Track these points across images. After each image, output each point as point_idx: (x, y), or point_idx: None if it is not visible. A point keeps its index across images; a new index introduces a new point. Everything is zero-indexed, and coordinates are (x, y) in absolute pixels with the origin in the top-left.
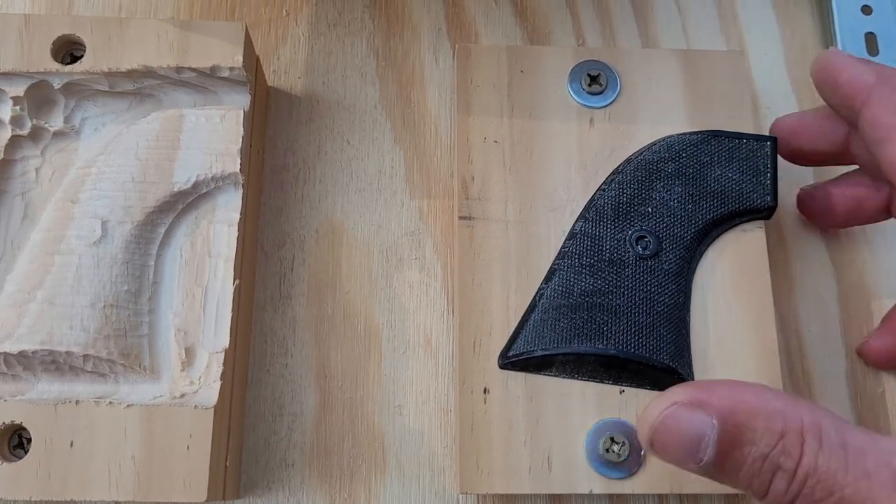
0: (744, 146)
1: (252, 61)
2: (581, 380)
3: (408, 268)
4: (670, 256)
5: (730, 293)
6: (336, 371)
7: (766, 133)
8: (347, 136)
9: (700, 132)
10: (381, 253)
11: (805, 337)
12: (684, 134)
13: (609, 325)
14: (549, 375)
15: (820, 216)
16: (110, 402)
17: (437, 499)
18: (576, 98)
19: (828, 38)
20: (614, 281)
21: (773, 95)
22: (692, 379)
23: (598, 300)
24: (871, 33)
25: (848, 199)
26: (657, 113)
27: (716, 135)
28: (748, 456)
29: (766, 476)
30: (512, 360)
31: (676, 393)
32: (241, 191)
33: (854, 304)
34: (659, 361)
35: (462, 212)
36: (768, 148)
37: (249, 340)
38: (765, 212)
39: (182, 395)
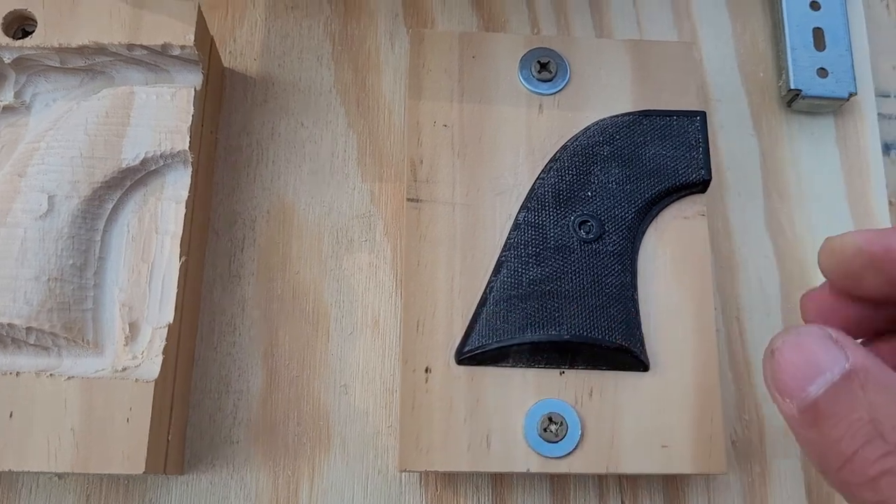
0: (675, 123)
1: (206, 41)
2: (537, 367)
3: (358, 249)
4: (614, 238)
5: (671, 280)
6: (283, 350)
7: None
8: (301, 119)
9: (631, 113)
10: (331, 234)
11: (746, 325)
12: (616, 116)
13: (560, 311)
14: (506, 367)
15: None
16: (51, 375)
17: (381, 477)
18: (525, 84)
19: (778, 32)
20: (561, 267)
21: (724, 88)
22: (645, 357)
23: (547, 287)
24: (819, 28)
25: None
26: (605, 101)
27: (647, 114)
28: (854, 412)
29: (860, 440)
30: (468, 356)
31: (826, 327)
32: (190, 169)
33: (796, 294)
34: (612, 342)
35: (410, 194)
36: (699, 122)
37: (197, 318)
38: (700, 185)
39: (124, 369)
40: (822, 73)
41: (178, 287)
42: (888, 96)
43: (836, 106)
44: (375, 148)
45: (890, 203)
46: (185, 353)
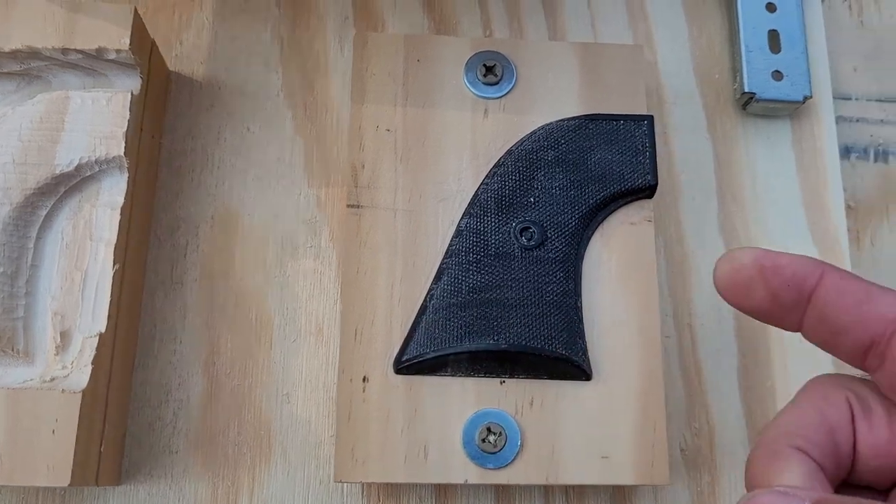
0: (621, 127)
1: (145, 45)
2: (477, 377)
3: (303, 256)
4: (556, 244)
5: (616, 287)
6: (225, 358)
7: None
8: (248, 123)
9: (577, 117)
10: (276, 241)
11: (698, 332)
12: (562, 120)
13: (499, 320)
14: (445, 376)
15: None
16: None
17: (322, 487)
18: (471, 88)
19: (734, 35)
20: (501, 274)
21: (679, 90)
22: (588, 366)
23: (487, 295)
24: (775, 31)
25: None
26: (552, 104)
27: (593, 118)
28: None
29: None
30: (406, 365)
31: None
32: (126, 174)
33: None
34: (551, 351)
35: (350, 200)
36: (645, 127)
37: (137, 326)
38: (647, 191)
39: (52, 379)
40: (777, 75)
41: (111, 295)
42: (849, 99)
43: (791, 109)
44: (322, 153)
45: (849, 206)
46: (122, 362)
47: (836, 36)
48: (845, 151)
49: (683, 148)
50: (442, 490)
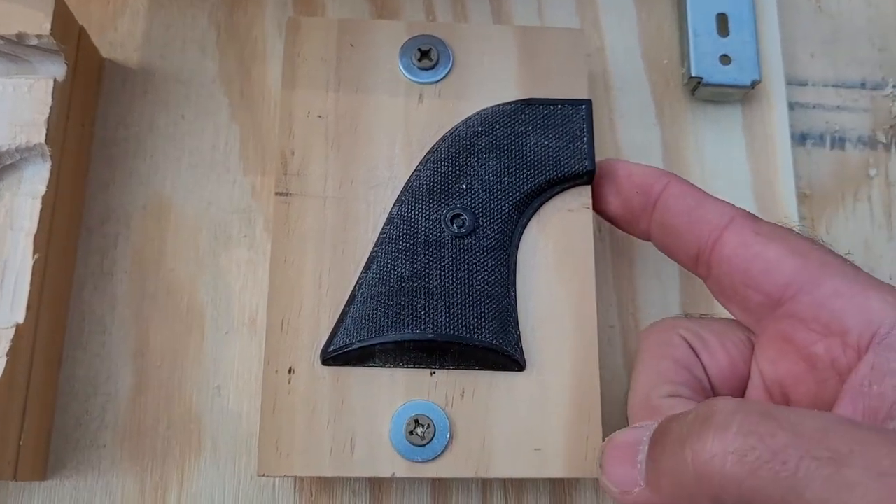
0: (559, 112)
1: (71, 31)
2: (407, 368)
3: (236, 246)
4: (488, 232)
5: (552, 275)
6: (155, 350)
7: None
8: (183, 111)
9: (513, 102)
10: (209, 230)
11: (642, 321)
12: (498, 105)
13: (426, 309)
14: (374, 367)
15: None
16: None
17: (253, 482)
18: (406, 73)
19: (682, 19)
20: (430, 263)
21: (627, 77)
22: (521, 356)
23: (415, 284)
24: (723, 14)
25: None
26: (490, 89)
27: (529, 103)
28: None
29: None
30: (332, 356)
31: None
32: (48, 163)
33: (695, 290)
34: (480, 341)
35: (279, 188)
36: (584, 111)
37: (65, 318)
38: (584, 177)
39: None
40: (725, 59)
41: (32, 286)
42: (805, 85)
43: (740, 94)
44: (259, 140)
45: (804, 194)
46: (46, 355)
47: (793, 20)
48: (801, 138)
49: (631, 135)
50: (376, 484)
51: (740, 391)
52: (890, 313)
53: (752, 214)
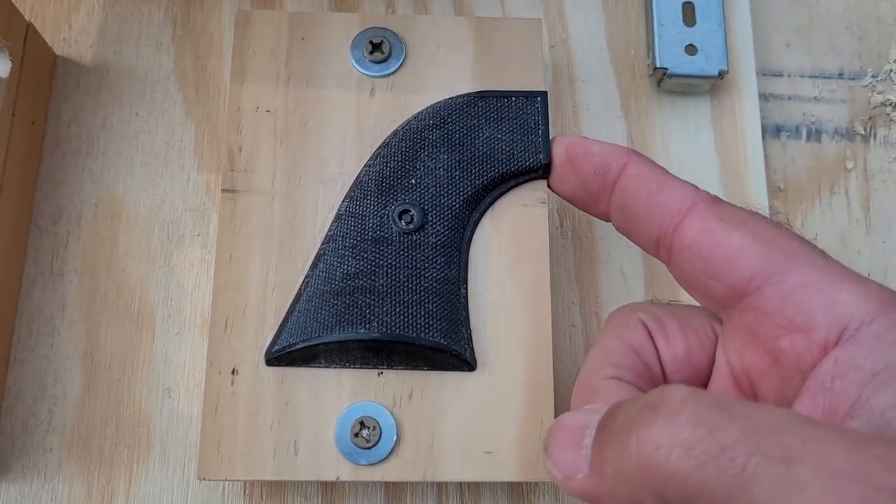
0: (513, 104)
1: (17, 28)
2: (354, 368)
3: (189, 245)
4: (437, 228)
5: (505, 272)
6: (104, 352)
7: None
8: (136, 108)
9: (466, 94)
10: (162, 229)
11: (604, 320)
12: (451, 98)
13: (372, 308)
14: (320, 367)
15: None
16: None
17: (202, 486)
18: (357, 67)
19: (648, 8)
20: (377, 260)
21: (591, 67)
22: (471, 356)
23: (361, 282)
24: (689, 3)
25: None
26: (444, 82)
27: (483, 95)
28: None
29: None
30: (276, 356)
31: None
32: None
33: (660, 288)
34: (428, 340)
35: (225, 184)
36: (539, 104)
37: (14, 319)
38: (539, 170)
39: None
40: (691, 49)
41: None
42: (780, 76)
43: (708, 85)
44: (214, 137)
45: (779, 188)
46: None
47: (767, 9)
48: (776, 131)
49: (595, 127)
50: (328, 487)
51: (696, 380)
52: (860, 308)
53: (716, 197)
